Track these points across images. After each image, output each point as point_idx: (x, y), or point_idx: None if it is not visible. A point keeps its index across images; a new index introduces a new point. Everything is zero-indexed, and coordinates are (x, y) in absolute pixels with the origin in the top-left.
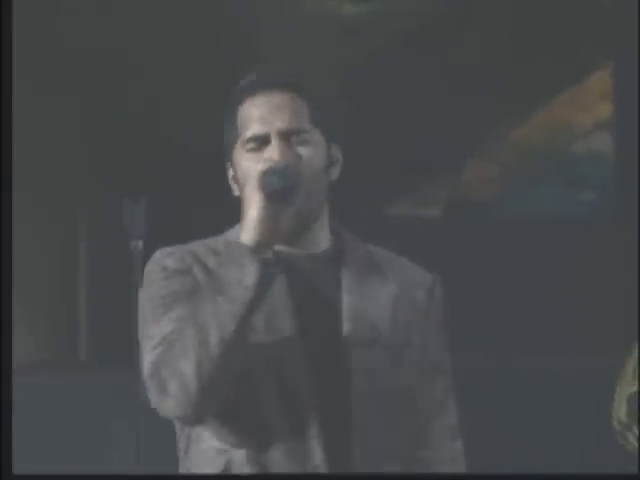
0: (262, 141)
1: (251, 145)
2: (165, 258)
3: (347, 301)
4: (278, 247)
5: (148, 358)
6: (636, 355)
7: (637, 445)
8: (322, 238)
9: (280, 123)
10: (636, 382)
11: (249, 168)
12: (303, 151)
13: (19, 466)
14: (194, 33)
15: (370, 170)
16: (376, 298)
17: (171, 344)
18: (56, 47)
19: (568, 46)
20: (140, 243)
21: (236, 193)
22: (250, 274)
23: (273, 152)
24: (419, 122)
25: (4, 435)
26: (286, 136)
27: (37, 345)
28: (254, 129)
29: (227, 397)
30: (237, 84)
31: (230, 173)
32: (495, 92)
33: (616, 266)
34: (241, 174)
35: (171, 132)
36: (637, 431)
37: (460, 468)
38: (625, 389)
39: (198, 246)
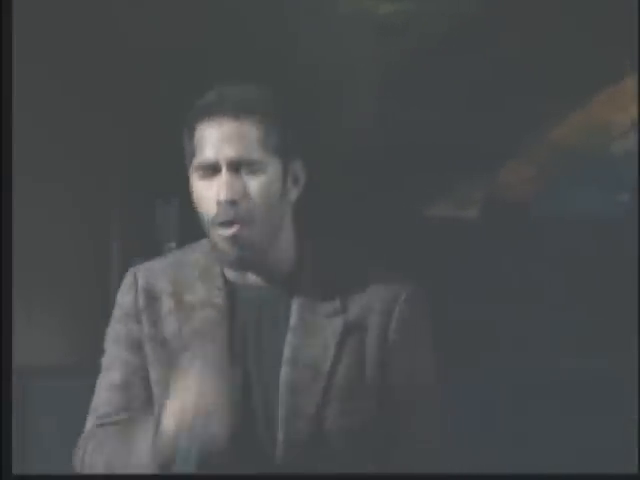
0: (212, 169)
1: (201, 172)
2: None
3: (289, 342)
4: (231, 274)
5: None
6: None
7: None
8: (283, 261)
9: (231, 151)
10: None
11: (201, 196)
12: (253, 182)
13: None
14: (227, 33)
15: (407, 171)
16: (321, 336)
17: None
18: (93, 45)
19: (606, 46)
20: (173, 244)
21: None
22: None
23: (221, 185)
24: (456, 123)
25: (4, 435)
26: (236, 166)
27: (70, 347)
28: (205, 156)
29: None
30: (196, 103)
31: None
32: (532, 92)
33: None
34: (195, 198)
35: None
36: None
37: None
38: None
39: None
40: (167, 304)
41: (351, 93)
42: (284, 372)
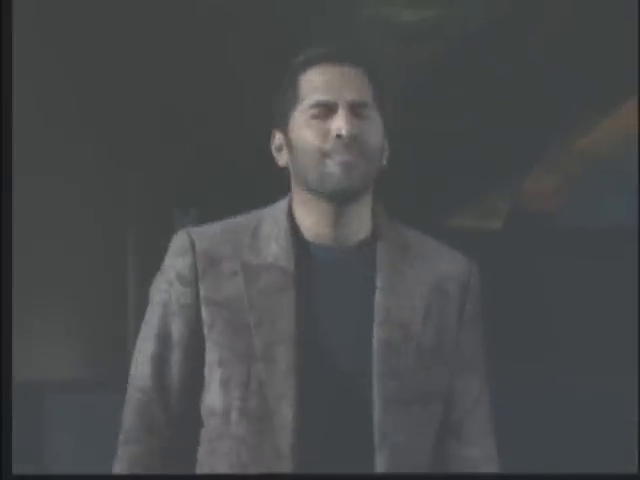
0: (328, 108)
1: (315, 111)
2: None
3: (380, 303)
4: (314, 237)
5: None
6: None
7: None
8: (363, 222)
9: (348, 93)
10: None
11: (310, 134)
12: (367, 125)
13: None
14: (248, 40)
15: (431, 181)
16: (409, 297)
17: None
18: (110, 57)
19: (634, 53)
20: None
21: (281, 163)
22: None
23: (340, 121)
24: (480, 131)
25: (4, 435)
26: (353, 107)
27: (84, 361)
28: (321, 96)
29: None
30: (301, 54)
31: (277, 142)
32: (558, 101)
33: None
34: (300, 141)
35: (222, 142)
36: None
37: (494, 467)
38: None
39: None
40: (230, 266)
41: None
42: (378, 332)
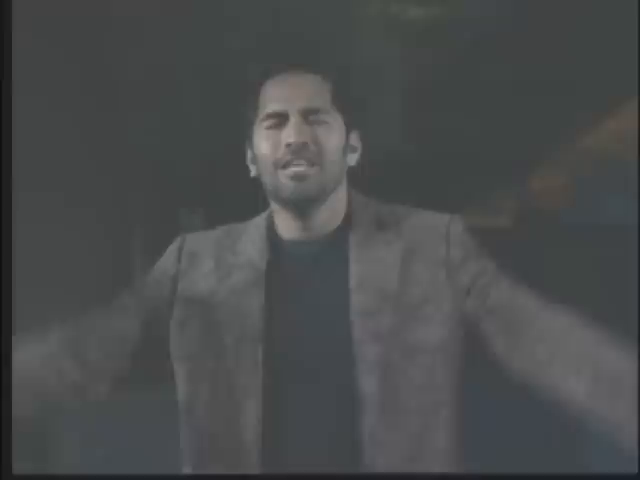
0: (281, 118)
1: (269, 122)
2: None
3: (354, 271)
4: (287, 235)
5: None
6: None
7: None
8: (335, 213)
9: (299, 101)
10: None
11: (265, 146)
12: (320, 130)
13: None
14: (253, 38)
15: (438, 179)
16: (383, 259)
17: None
18: (109, 63)
19: (637, 49)
20: None
21: (253, 174)
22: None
23: (290, 130)
24: (487, 130)
25: (4, 435)
26: (304, 114)
27: None
28: (273, 106)
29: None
30: (261, 65)
31: (249, 154)
32: (564, 100)
33: None
34: (257, 153)
35: (230, 141)
36: None
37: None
38: None
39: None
40: (208, 265)
41: (379, 98)
42: (354, 299)
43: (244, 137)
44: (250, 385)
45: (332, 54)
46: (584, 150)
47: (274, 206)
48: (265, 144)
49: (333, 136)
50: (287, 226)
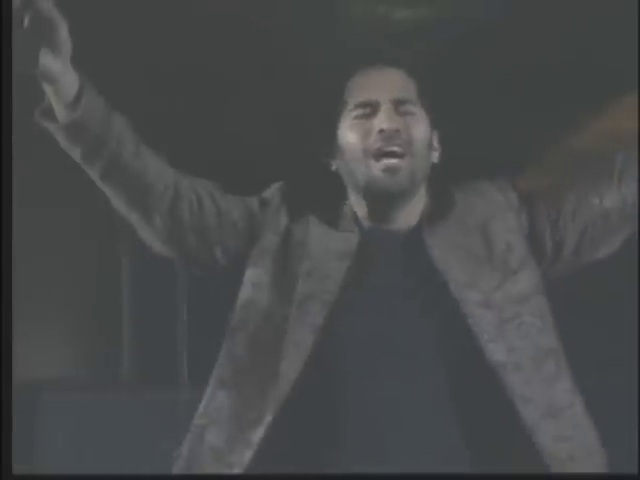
0: (372, 107)
1: (359, 112)
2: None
3: (438, 255)
4: (371, 223)
5: None
6: None
7: None
8: (414, 209)
9: (390, 91)
10: None
11: (354, 135)
12: (410, 121)
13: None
14: (241, 36)
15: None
16: (462, 242)
17: None
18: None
19: (624, 52)
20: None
21: (334, 168)
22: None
23: (383, 117)
24: (471, 130)
25: (4, 435)
26: (395, 104)
27: (79, 362)
28: (365, 95)
29: None
30: (349, 64)
31: (328, 148)
32: (548, 100)
33: None
34: (345, 142)
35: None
36: None
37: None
38: None
39: None
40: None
41: None
42: (449, 276)
43: (323, 133)
44: (301, 342)
45: (319, 53)
46: (569, 150)
47: (356, 197)
48: (354, 133)
49: (421, 128)
50: (370, 217)
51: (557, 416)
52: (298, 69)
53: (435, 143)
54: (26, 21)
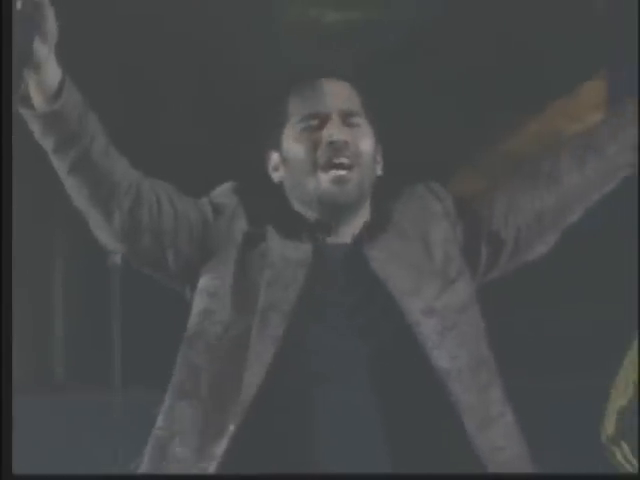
0: (320, 119)
1: (306, 123)
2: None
3: (380, 266)
4: (318, 235)
5: None
6: (628, 366)
7: (623, 462)
8: (358, 219)
9: (338, 103)
10: (627, 395)
11: (302, 147)
12: (357, 133)
13: None
14: (184, 41)
15: None
16: (404, 251)
17: None
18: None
19: (559, 55)
20: (118, 257)
21: (277, 180)
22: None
23: (332, 129)
24: (405, 133)
25: (4, 435)
26: (343, 116)
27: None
28: (313, 107)
29: None
30: (287, 74)
31: (273, 161)
32: (484, 103)
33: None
34: (292, 155)
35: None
36: (625, 447)
37: None
38: (615, 402)
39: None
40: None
41: None
42: (390, 285)
43: (262, 145)
44: (262, 353)
45: (254, 57)
46: (507, 153)
47: (302, 210)
48: (302, 145)
49: (367, 140)
50: (316, 230)
51: (490, 425)
52: (232, 69)
53: (378, 157)
54: (19, 4)
